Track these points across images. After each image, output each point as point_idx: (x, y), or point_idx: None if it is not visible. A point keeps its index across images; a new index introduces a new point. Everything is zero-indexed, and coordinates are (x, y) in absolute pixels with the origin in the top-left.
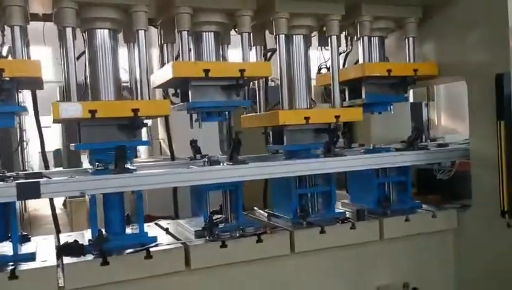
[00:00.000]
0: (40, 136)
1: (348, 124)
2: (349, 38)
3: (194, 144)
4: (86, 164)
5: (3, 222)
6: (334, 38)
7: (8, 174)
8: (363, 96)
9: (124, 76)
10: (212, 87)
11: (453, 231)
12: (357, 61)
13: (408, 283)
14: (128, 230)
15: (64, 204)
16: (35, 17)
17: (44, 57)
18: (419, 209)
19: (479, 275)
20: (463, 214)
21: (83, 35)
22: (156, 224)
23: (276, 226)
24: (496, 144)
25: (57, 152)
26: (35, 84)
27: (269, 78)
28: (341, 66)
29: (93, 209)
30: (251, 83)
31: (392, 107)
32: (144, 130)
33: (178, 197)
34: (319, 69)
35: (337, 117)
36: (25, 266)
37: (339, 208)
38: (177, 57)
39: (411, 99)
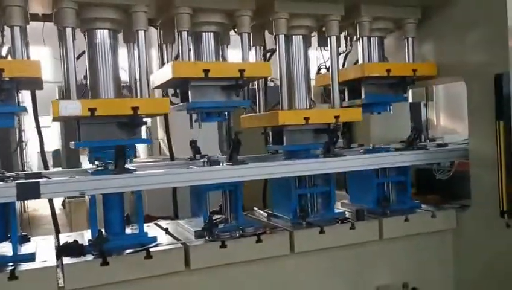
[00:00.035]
0: (40, 136)
1: (347, 124)
2: (348, 38)
3: (193, 144)
4: (85, 164)
5: (2, 222)
6: (333, 38)
7: (8, 174)
8: (363, 96)
9: (124, 76)
10: (211, 87)
11: (452, 231)
12: (357, 61)
13: (407, 282)
14: (128, 230)
15: (63, 204)
16: (34, 17)
17: (43, 56)
18: (419, 209)
19: (478, 275)
20: (462, 214)
21: (84, 35)
22: (156, 224)
23: (276, 227)
24: (495, 144)
25: (56, 152)
26: (35, 84)
27: (268, 78)
28: (340, 67)
29: (93, 209)
30: (250, 83)
31: (391, 107)
32: (143, 131)
33: (177, 197)
34: (319, 70)
35: (336, 117)
36: (24, 266)
37: (338, 208)
38: (177, 57)
39: (410, 100)
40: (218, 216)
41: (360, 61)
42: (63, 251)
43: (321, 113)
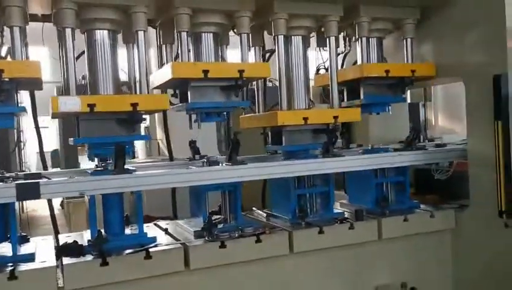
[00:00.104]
0: (39, 136)
1: (346, 125)
2: (347, 39)
3: (193, 144)
4: (83, 164)
5: (2, 222)
6: (332, 39)
7: (7, 174)
8: (362, 96)
9: (123, 77)
10: (211, 87)
11: (451, 231)
12: (356, 62)
13: (406, 282)
14: (128, 230)
15: (62, 205)
16: (34, 17)
17: (41, 57)
18: (418, 209)
19: (477, 275)
20: (461, 214)
21: (84, 35)
22: (155, 224)
23: (275, 227)
24: (494, 144)
25: (54, 152)
26: (34, 84)
27: (267, 78)
28: (339, 67)
29: (93, 209)
30: (249, 84)
31: (390, 107)
32: (142, 131)
33: (176, 197)
34: (318, 70)
35: (335, 117)
36: (24, 266)
37: (337, 209)
38: (176, 57)
39: (408, 100)
40: (218, 216)
41: (359, 62)
42: (62, 251)
43: (320, 113)
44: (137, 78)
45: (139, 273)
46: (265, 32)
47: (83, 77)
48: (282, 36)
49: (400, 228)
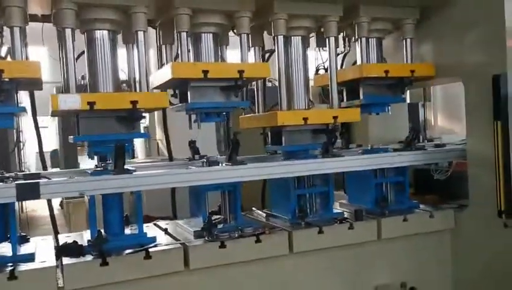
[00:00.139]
0: (38, 136)
1: (345, 125)
2: (347, 39)
3: (192, 144)
4: (83, 164)
5: (2, 222)
6: (332, 39)
7: (7, 175)
8: (361, 97)
9: (123, 77)
10: (211, 88)
11: (450, 231)
12: (355, 62)
13: (406, 282)
14: (128, 231)
15: (61, 205)
16: (34, 17)
17: (40, 56)
18: (417, 209)
19: (477, 275)
20: (460, 214)
21: (84, 36)
22: (155, 224)
23: (275, 227)
24: (493, 144)
25: (54, 153)
26: (34, 85)
27: (267, 79)
28: (339, 67)
29: (93, 209)
30: (249, 84)
31: (389, 107)
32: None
33: (176, 197)
34: (317, 70)
35: (335, 118)
36: (24, 266)
37: (337, 209)
38: (176, 57)
39: (408, 100)
40: (217, 216)
41: (359, 62)
42: (62, 251)
43: (320, 113)
44: (137, 79)
45: (138, 273)
46: (265, 33)
47: (83, 77)
48: (282, 36)
49: (399, 228)
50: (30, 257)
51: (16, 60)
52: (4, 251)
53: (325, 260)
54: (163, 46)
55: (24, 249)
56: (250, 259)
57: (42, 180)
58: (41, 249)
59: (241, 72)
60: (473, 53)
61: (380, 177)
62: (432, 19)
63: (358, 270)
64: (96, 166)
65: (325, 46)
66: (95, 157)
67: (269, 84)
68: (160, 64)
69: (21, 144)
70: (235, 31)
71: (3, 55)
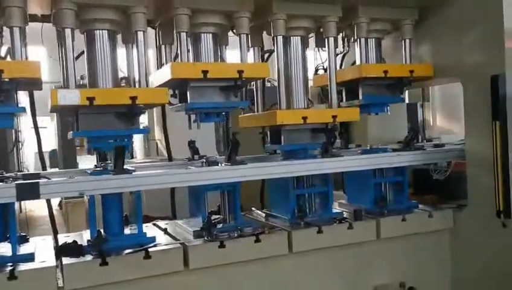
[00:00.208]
0: (38, 136)
1: (345, 125)
2: (346, 39)
3: (192, 144)
4: (82, 164)
5: (1, 222)
6: (331, 39)
7: (7, 175)
8: (360, 97)
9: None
10: (210, 88)
11: (449, 231)
12: (354, 62)
13: (405, 282)
14: (127, 230)
15: (60, 205)
16: (33, 18)
17: (39, 56)
18: (416, 209)
19: (475, 275)
20: (459, 214)
21: (84, 36)
22: (154, 224)
23: (274, 227)
24: (491, 145)
25: (53, 152)
26: (34, 85)
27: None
28: (338, 67)
29: (92, 209)
30: (248, 84)
31: (388, 108)
32: None
33: (176, 197)
34: (316, 70)
35: (334, 117)
36: (24, 266)
37: (336, 208)
38: (176, 58)
39: (406, 100)
40: (217, 216)
41: (358, 62)
42: (62, 251)
43: (319, 112)
44: (137, 79)
45: (138, 273)
46: (264, 33)
47: (82, 78)
48: (281, 37)
49: (398, 228)
50: (30, 257)
51: (16, 60)
52: (4, 251)
53: (325, 260)
54: (163, 46)
55: (24, 249)
56: (250, 259)
57: (42, 180)
58: (41, 249)
59: (240, 72)
60: (472, 53)
61: (379, 177)
62: (430, 19)
63: (357, 270)
64: (96, 166)
65: (324, 47)
66: (95, 157)
67: (268, 85)
68: (160, 65)
69: (19, 144)
70: (234, 31)
71: (3, 55)
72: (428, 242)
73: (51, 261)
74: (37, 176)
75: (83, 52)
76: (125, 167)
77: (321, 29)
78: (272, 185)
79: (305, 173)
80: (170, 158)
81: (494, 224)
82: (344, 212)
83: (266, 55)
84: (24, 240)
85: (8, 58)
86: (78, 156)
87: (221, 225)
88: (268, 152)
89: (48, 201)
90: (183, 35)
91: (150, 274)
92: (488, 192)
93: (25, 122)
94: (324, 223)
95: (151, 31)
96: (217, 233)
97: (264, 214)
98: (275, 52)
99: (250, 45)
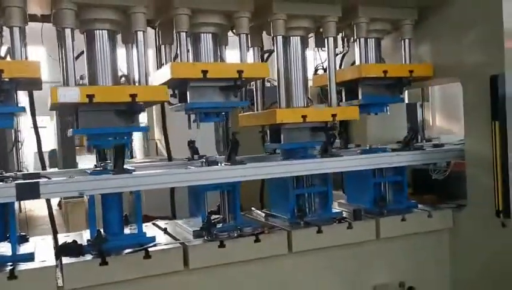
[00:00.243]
0: (37, 136)
1: (344, 125)
2: (345, 39)
3: (192, 144)
4: (81, 164)
5: (1, 222)
6: (330, 39)
7: (7, 174)
8: (360, 97)
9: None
10: (210, 88)
11: (448, 231)
12: (354, 62)
13: (404, 282)
14: (127, 230)
15: (60, 205)
16: (33, 18)
17: (38, 56)
18: (415, 209)
19: (475, 274)
20: (458, 213)
21: (84, 35)
22: (154, 224)
23: (274, 226)
24: (491, 145)
25: (52, 152)
26: (34, 84)
27: (266, 79)
28: (338, 67)
29: (92, 209)
30: (248, 84)
31: (388, 108)
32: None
33: (175, 197)
34: (316, 70)
35: (334, 115)
36: (23, 266)
37: (335, 208)
38: (175, 58)
39: (406, 100)
40: (217, 216)
41: (357, 62)
42: (62, 250)
43: (319, 111)
44: (137, 78)
45: (138, 272)
46: (264, 33)
47: (81, 77)
48: (281, 37)
49: (397, 228)
50: (30, 257)
51: (16, 60)
52: (4, 251)
53: (324, 260)
54: (163, 46)
55: (24, 249)
56: (250, 259)
57: (42, 180)
58: (41, 249)
59: (240, 72)
60: (471, 53)
61: (378, 177)
62: (430, 19)
63: (357, 270)
64: (96, 166)
65: (324, 47)
66: (94, 157)
67: (268, 85)
68: (160, 65)
69: (19, 143)
70: (234, 31)
71: (2, 55)
72: (428, 242)
73: (51, 260)
74: (37, 175)
75: (82, 52)
76: (125, 166)
77: (321, 29)
78: (272, 185)
79: (305, 172)
80: (170, 158)
81: (494, 224)
82: (344, 212)
83: (266, 55)
84: (24, 239)
85: (8, 58)
86: (77, 156)
87: (221, 224)
88: (268, 151)
89: (48, 201)
90: (183, 35)
91: (150, 274)
92: (488, 192)
93: (24, 122)
94: (324, 223)
95: (151, 31)
96: (216, 233)
97: (263, 214)
98: (275, 52)
99: (250, 45)
